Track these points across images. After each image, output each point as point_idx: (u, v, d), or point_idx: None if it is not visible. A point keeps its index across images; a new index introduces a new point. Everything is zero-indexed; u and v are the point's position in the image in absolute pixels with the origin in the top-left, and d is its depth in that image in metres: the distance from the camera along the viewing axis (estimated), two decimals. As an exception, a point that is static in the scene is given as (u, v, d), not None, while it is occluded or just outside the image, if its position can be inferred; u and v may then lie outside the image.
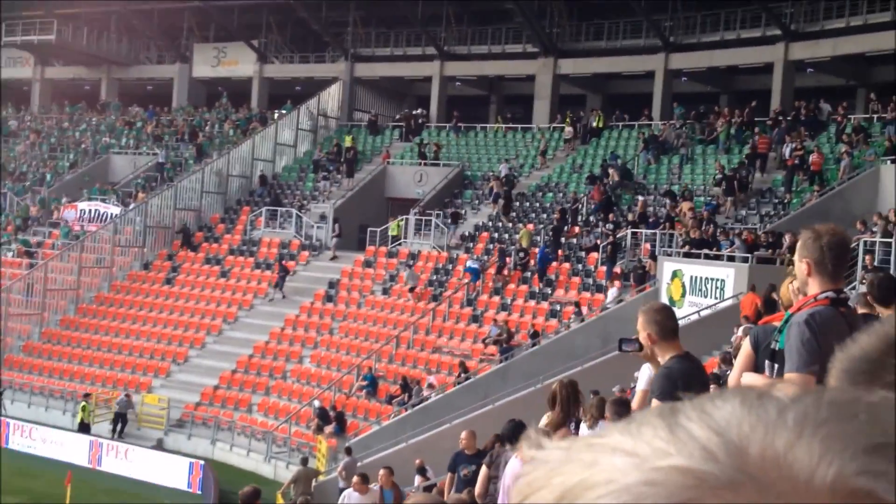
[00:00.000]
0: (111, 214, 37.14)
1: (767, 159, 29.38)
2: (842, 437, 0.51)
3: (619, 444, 0.55)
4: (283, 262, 32.24)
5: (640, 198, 29.15)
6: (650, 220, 27.80)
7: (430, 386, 24.72)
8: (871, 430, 0.52)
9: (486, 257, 29.16)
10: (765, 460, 0.51)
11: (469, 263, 28.30)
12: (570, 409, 6.16)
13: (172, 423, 27.95)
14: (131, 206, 37.37)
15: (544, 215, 31.00)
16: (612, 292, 25.06)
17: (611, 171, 31.30)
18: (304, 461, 21.29)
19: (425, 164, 36.37)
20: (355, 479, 13.42)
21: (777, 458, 0.51)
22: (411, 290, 29.19)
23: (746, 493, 0.50)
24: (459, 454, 10.68)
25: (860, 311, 6.68)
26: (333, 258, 32.90)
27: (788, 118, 30.68)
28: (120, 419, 27.35)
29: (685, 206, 27.60)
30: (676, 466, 0.52)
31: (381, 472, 13.96)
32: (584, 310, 25.52)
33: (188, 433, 27.45)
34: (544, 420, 6.30)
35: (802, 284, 4.14)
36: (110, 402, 28.88)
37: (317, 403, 25.55)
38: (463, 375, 24.35)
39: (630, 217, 28.24)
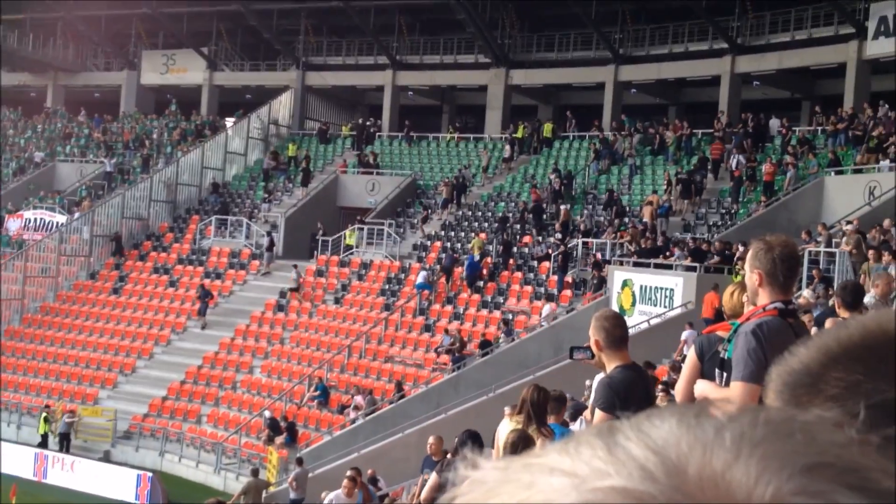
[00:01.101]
0: (57, 223, 36.53)
1: (720, 166, 29.90)
2: (778, 457, 0.51)
3: (558, 464, 0.53)
4: (205, 286, 31.34)
5: (564, 207, 29.59)
6: (572, 229, 28.27)
7: (356, 408, 24.55)
8: (807, 450, 0.52)
9: (436, 266, 29.19)
10: (703, 480, 0.51)
11: (420, 280, 28.36)
12: (539, 414, 6.23)
13: (119, 435, 27.53)
14: (77, 215, 36.79)
15: (496, 224, 31.13)
16: (547, 309, 25.16)
17: (552, 178, 31.66)
18: (255, 472, 21.09)
19: (377, 174, 36.35)
20: (347, 481, 13.28)
21: (715, 478, 0.51)
22: (295, 290, 30.19)
23: None
24: (427, 459, 10.74)
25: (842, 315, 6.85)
26: (266, 273, 32.06)
27: (736, 130, 31.20)
28: (64, 438, 26.61)
29: (651, 198, 28.15)
30: (615, 487, 0.51)
31: (349, 472, 13.87)
32: (536, 318, 25.63)
33: (136, 445, 27.06)
34: (507, 424, 6.34)
35: (753, 295, 4.20)
36: (56, 413, 28.36)
37: (267, 414, 25.33)
38: (396, 395, 24.21)
39: (582, 227, 28.48)
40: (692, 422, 0.54)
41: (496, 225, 30.87)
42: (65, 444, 26.48)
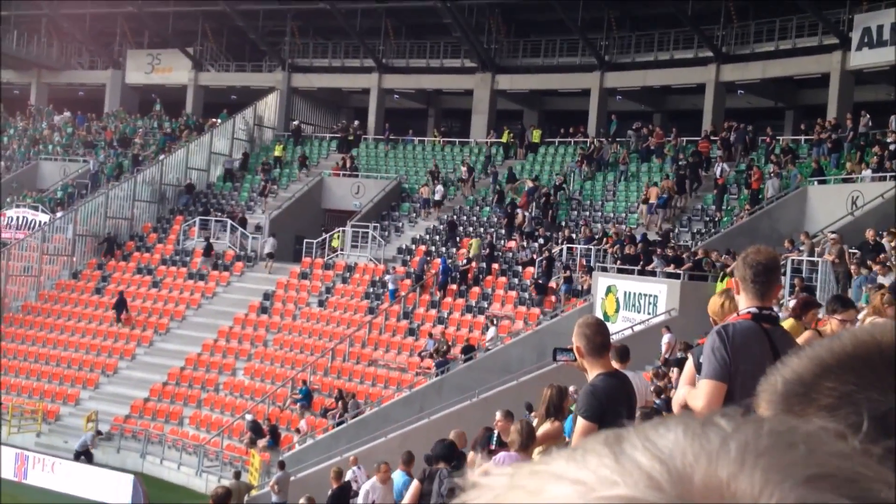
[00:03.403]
0: (40, 222, 36.32)
1: (708, 167, 30.15)
2: (782, 468, 0.52)
3: (565, 472, 0.54)
4: (124, 294, 31.44)
5: (520, 212, 30.17)
6: (522, 229, 29.05)
7: (298, 430, 24.40)
8: (809, 461, 0.53)
9: (405, 271, 29.31)
10: (708, 490, 0.52)
11: (390, 286, 28.47)
12: (553, 410, 6.71)
13: (101, 437, 27.35)
14: (60, 214, 36.60)
15: (481, 229, 31.24)
16: (491, 331, 25.10)
17: (529, 183, 31.80)
18: (237, 475, 21.04)
19: (363, 177, 36.37)
20: (383, 467, 12.92)
21: (720, 487, 0.52)
22: (270, 255, 32.01)
23: None
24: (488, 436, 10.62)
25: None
26: (202, 276, 31.95)
27: (719, 137, 31.40)
28: (87, 455, 25.33)
29: (652, 191, 28.88)
30: (621, 496, 0.52)
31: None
32: (519, 324, 25.68)
33: (117, 446, 26.91)
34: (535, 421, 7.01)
35: (736, 301, 4.33)
36: (36, 413, 28.21)
37: (249, 417, 25.27)
38: (348, 415, 24.03)
39: (567, 232, 28.57)
40: (698, 432, 0.55)
41: (481, 230, 30.97)
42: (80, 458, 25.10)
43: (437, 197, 33.21)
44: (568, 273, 25.73)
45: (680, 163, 30.57)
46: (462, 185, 34.21)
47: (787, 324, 7.41)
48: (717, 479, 0.52)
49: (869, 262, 17.49)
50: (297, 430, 24.34)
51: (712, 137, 31.55)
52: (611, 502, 0.52)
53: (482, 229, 30.98)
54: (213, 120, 41.68)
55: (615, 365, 7.50)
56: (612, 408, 4.68)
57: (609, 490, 0.52)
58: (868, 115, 28.56)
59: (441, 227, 32.38)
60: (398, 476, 12.31)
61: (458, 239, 30.64)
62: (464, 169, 34.48)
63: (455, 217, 32.69)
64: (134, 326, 31.09)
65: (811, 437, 0.55)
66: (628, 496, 0.52)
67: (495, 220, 31.51)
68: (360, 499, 12.32)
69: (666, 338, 19.83)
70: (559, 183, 31.81)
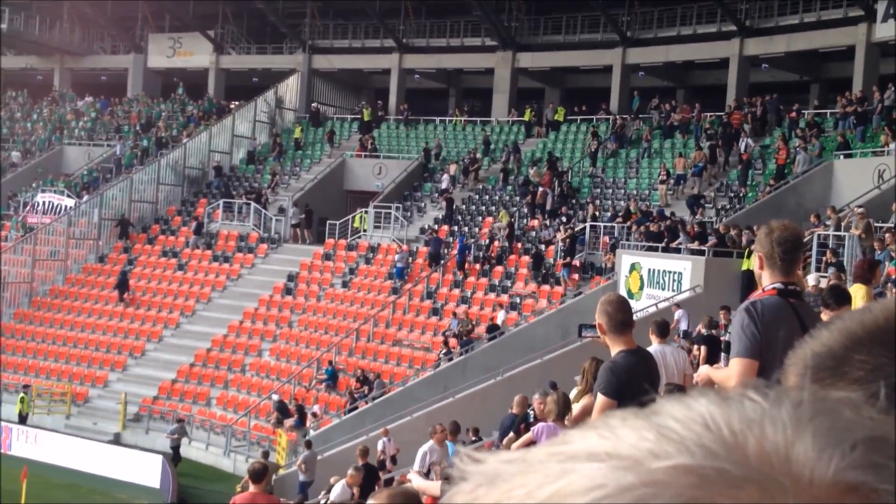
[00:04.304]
0: (65, 206, 36.63)
1: (738, 139, 29.92)
2: (835, 433, 0.52)
3: (596, 449, 0.51)
4: (126, 274, 32.08)
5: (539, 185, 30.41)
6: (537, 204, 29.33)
7: (314, 415, 24.50)
8: (859, 425, 0.53)
9: (409, 254, 29.35)
10: (765, 456, 0.51)
11: (398, 264, 28.51)
12: (591, 382, 6.83)
13: (129, 418, 27.70)
14: (86, 198, 36.88)
15: (503, 209, 31.17)
16: (501, 314, 25.06)
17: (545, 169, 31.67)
18: (266, 455, 21.21)
19: (384, 158, 36.36)
20: (439, 428, 13.03)
21: (777, 453, 0.51)
22: (295, 226, 32.93)
23: (750, 489, 0.50)
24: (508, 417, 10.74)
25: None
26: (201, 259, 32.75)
27: (748, 111, 31.11)
28: (174, 454, 24.54)
29: (678, 161, 28.98)
30: (678, 465, 0.50)
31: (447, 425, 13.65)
32: (543, 303, 25.67)
33: (146, 427, 27.22)
34: (573, 392, 6.91)
35: (757, 278, 4.30)
36: (66, 395, 28.56)
37: (275, 397, 25.46)
38: (361, 400, 24.07)
39: (590, 210, 28.48)
40: (736, 403, 0.54)
41: (504, 209, 30.92)
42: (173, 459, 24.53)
43: (444, 185, 32.77)
44: (568, 259, 25.64)
45: (709, 133, 30.39)
46: (471, 172, 33.63)
47: (859, 288, 7.36)
48: (772, 445, 0.51)
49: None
50: (314, 415, 24.43)
51: (742, 111, 31.26)
52: (665, 474, 0.49)
53: (504, 209, 30.90)
54: (235, 102, 41.83)
55: (654, 339, 7.47)
56: (632, 385, 4.69)
57: (661, 462, 0.49)
58: (893, 87, 28.19)
59: (463, 206, 32.36)
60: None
61: (453, 217, 30.64)
62: (468, 158, 33.93)
63: (478, 196, 32.61)
64: (128, 305, 31.61)
65: (847, 404, 0.55)
66: (686, 465, 0.49)
67: (517, 198, 31.42)
68: (417, 460, 12.27)
69: (677, 315, 19.74)
70: (592, 149, 31.68)
